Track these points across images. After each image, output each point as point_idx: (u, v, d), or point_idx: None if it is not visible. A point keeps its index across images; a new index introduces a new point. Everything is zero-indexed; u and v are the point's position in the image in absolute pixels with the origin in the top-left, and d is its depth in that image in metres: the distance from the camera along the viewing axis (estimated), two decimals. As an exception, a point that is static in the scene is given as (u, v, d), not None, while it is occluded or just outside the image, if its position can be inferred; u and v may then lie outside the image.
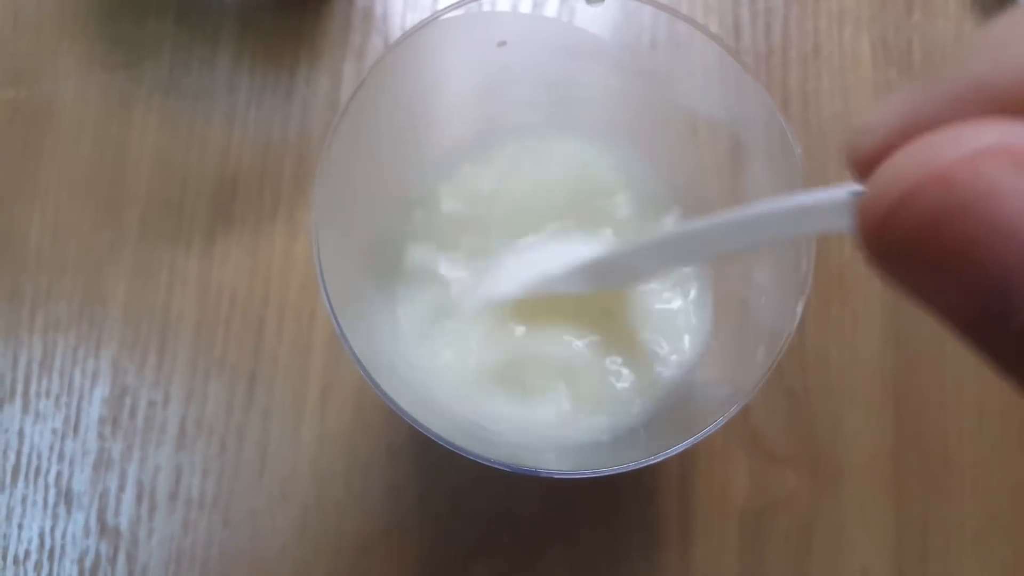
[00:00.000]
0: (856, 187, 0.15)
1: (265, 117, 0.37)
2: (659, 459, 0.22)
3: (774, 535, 0.34)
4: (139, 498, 0.34)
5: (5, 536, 0.34)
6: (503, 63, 0.30)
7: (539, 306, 0.30)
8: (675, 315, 0.30)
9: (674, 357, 0.30)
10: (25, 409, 0.35)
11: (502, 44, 0.29)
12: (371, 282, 0.30)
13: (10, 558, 0.34)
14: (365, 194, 0.29)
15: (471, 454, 0.22)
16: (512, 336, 0.30)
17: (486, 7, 0.27)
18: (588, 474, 0.23)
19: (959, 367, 0.36)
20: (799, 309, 0.23)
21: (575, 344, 0.30)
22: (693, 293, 0.30)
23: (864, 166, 0.14)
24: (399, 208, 0.31)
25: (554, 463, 0.24)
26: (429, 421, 0.22)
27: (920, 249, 0.12)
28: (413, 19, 0.38)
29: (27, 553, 0.34)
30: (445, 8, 0.26)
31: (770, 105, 0.26)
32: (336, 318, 0.23)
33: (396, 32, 0.38)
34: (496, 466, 0.22)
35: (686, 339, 0.30)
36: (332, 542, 0.34)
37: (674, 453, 0.22)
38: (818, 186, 0.26)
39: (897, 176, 0.12)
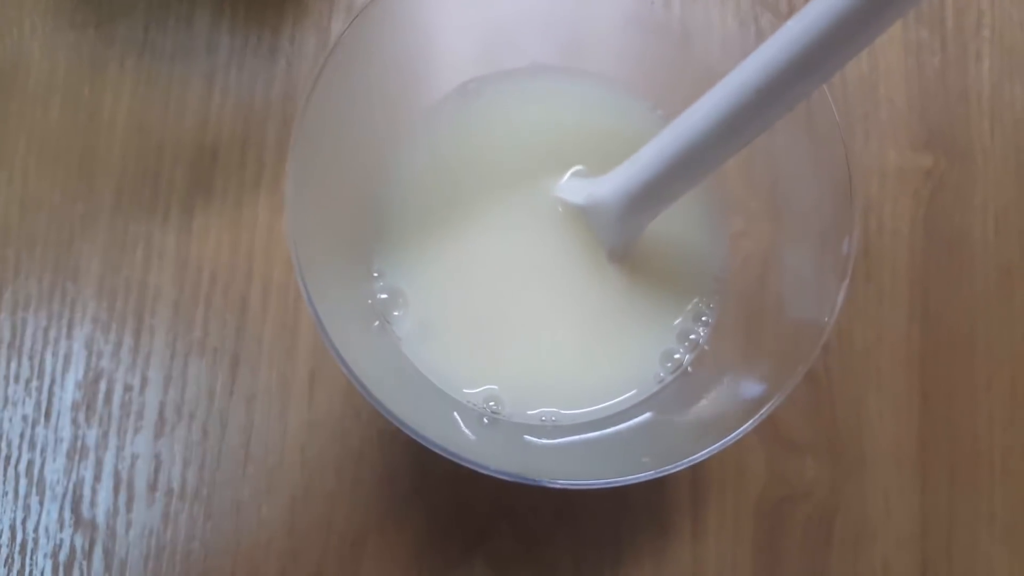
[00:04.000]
0: None
1: (247, 79, 0.35)
2: (680, 467, 0.20)
3: (792, 527, 0.33)
4: (116, 489, 0.32)
5: (-27, 529, 0.32)
6: (503, 13, 0.27)
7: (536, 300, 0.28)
8: (688, 290, 0.28)
9: (684, 346, 0.28)
10: (-8, 394, 0.33)
11: None
12: (355, 255, 0.28)
13: (-22, 552, 0.32)
14: (347, 163, 0.27)
15: (468, 461, 0.20)
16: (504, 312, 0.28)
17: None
18: (598, 485, 0.21)
19: (991, 349, 0.34)
20: (840, 298, 0.21)
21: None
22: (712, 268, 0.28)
23: None
24: (387, 169, 0.29)
25: (559, 468, 0.22)
26: (422, 424, 0.20)
27: None
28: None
29: (-4, 547, 0.32)
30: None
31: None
32: (319, 317, 0.21)
33: (388, -13, 0.35)
34: (496, 475, 0.20)
35: (700, 329, 0.28)
36: (321, 535, 0.32)
37: (700, 459, 0.20)
38: (849, 151, 0.24)
39: None
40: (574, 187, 0.28)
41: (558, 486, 0.22)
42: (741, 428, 0.21)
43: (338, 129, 0.25)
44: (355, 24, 0.22)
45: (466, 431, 0.26)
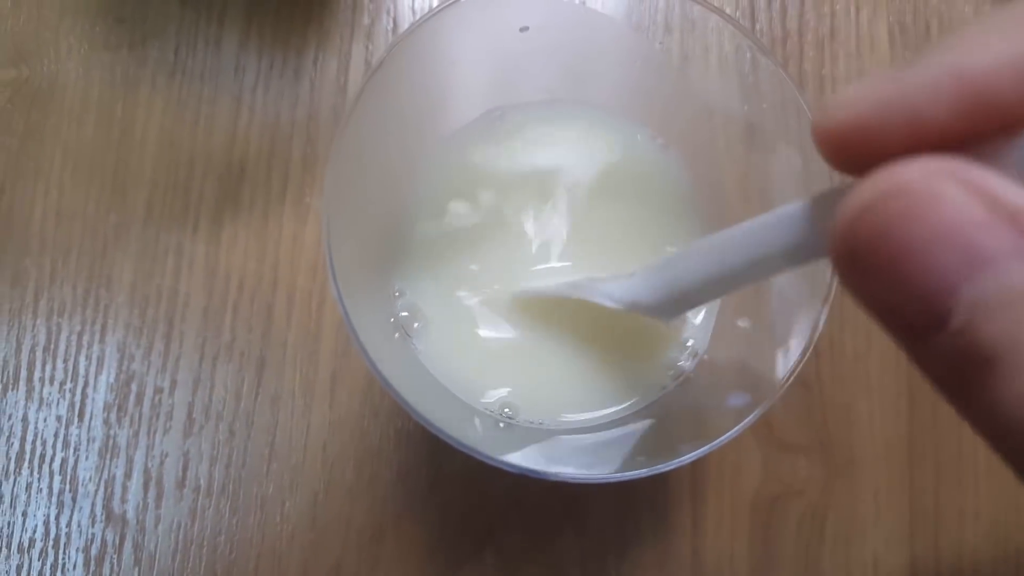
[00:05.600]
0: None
1: (273, 99, 0.37)
2: (672, 466, 0.22)
3: (786, 523, 0.34)
4: (146, 485, 0.34)
5: (9, 524, 0.34)
6: (519, 47, 0.29)
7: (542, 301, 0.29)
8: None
9: (685, 354, 0.29)
10: (29, 395, 0.34)
11: (524, 29, 0.28)
12: (379, 270, 0.30)
13: (14, 546, 0.33)
14: (375, 183, 0.29)
15: (487, 457, 0.22)
16: (516, 329, 0.30)
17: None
18: (607, 479, 0.22)
19: (974, 355, 0.35)
20: (822, 319, 0.23)
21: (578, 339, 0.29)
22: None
23: (829, 138, 0.14)
24: (410, 191, 0.31)
25: (570, 464, 0.24)
26: (440, 419, 0.22)
27: (875, 251, 0.12)
28: (422, 0, 0.38)
29: (32, 541, 0.33)
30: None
31: (789, 86, 0.25)
32: (348, 316, 0.22)
33: (406, 12, 0.37)
34: (506, 468, 0.22)
35: (700, 338, 0.29)
36: (342, 529, 0.33)
37: (688, 461, 0.22)
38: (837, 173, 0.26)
39: (865, 188, 0.12)
40: (600, 290, 0.27)
41: (568, 479, 0.23)
42: (735, 428, 0.22)
43: (366, 155, 0.26)
44: (387, 59, 0.24)
45: (483, 433, 0.27)
